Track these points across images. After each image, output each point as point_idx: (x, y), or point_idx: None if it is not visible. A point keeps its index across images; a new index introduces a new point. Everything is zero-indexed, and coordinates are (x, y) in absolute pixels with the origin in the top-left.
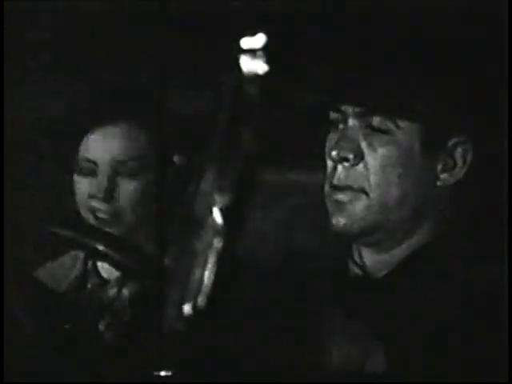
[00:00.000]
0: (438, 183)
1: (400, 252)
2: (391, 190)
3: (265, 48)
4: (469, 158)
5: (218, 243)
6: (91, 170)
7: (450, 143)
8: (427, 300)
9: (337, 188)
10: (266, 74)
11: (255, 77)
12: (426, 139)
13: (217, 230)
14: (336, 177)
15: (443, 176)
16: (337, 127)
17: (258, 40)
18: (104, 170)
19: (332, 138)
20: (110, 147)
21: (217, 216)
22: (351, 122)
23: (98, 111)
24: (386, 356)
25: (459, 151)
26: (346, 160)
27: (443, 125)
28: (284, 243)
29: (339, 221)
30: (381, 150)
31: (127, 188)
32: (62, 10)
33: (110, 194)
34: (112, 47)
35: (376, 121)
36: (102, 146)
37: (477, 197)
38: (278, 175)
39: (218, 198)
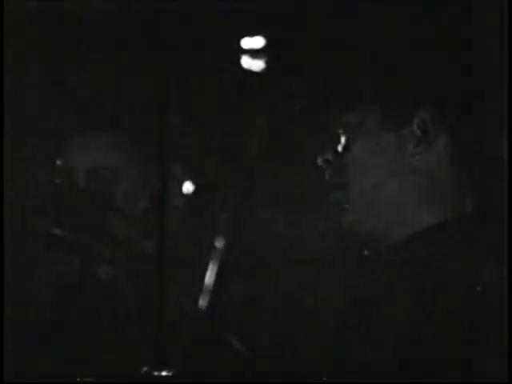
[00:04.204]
0: (417, 157)
1: (397, 238)
2: (367, 176)
3: (265, 48)
4: (435, 127)
5: (219, 243)
6: (69, 176)
7: (415, 116)
8: (425, 298)
9: (327, 189)
10: (267, 73)
11: (256, 75)
12: (388, 119)
13: (218, 230)
14: (325, 178)
15: (417, 150)
16: (323, 133)
17: (258, 40)
18: (81, 175)
19: (321, 143)
20: (87, 156)
21: (217, 215)
22: (328, 124)
23: (78, 119)
24: (384, 355)
25: (423, 122)
26: (328, 162)
27: (402, 102)
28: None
29: (335, 221)
30: (352, 143)
31: (101, 195)
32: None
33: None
34: (100, 55)
35: (345, 117)
36: (78, 153)
37: (489, 192)
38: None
39: (218, 196)
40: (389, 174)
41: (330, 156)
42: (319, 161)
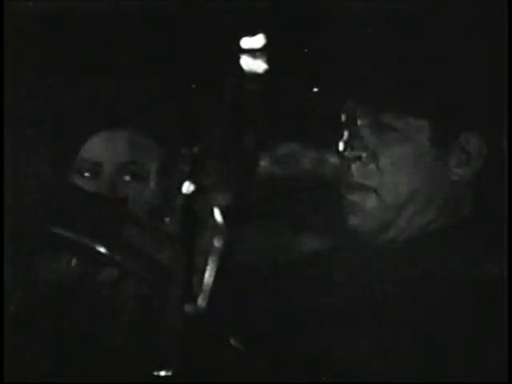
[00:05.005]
0: (453, 178)
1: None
2: (402, 187)
3: (265, 48)
4: (483, 151)
5: (218, 243)
6: (94, 172)
7: (462, 137)
8: (426, 299)
9: (350, 187)
10: (267, 74)
11: (256, 76)
12: (436, 135)
13: (217, 230)
14: (350, 175)
15: (458, 171)
16: (348, 127)
17: (258, 40)
18: (108, 171)
19: (344, 137)
20: (115, 149)
21: (217, 215)
22: (360, 120)
23: (104, 114)
24: (385, 355)
25: (472, 145)
26: (359, 158)
27: (453, 120)
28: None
29: (353, 221)
30: (391, 148)
31: (129, 190)
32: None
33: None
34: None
35: (385, 118)
36: (107, 147)
37: (489, 192)
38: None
39: (218, 197)
40: (421, 183)
41: (362, 153)
42: (346, 153)
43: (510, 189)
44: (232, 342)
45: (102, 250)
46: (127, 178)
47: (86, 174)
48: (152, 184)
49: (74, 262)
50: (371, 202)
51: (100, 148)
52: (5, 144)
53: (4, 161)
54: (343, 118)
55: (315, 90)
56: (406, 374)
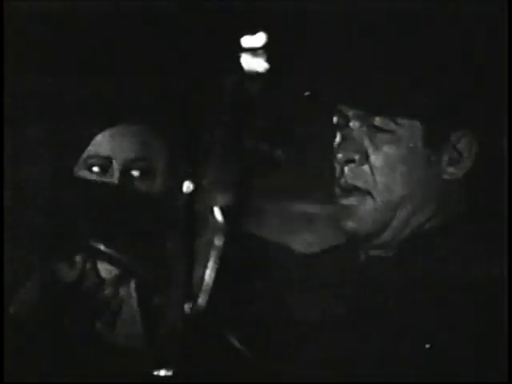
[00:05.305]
0: (445, 176)
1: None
2: (396, 189)
3: (265, 46)
4: (474, 149)
5: (218, 242)
6: (103, 167)
7: (453, 136)
8: (425, 299)
9: (344, 190)
10: (267, 73)
11: (256, 75)
12: (428, 134)
13: (217, 229)
14: (343, 178)
15: (450, 169)
16: (341, 129)
17: (258, 38)
18: (117, 166)
19: (337, 140)
20: (124, 145)
21: (217, 214)
22: (353, 123)
23: (103, 115)
24: (385, 355)
25: (463, 144)
26: (352, 161)
27: (444, 119)
28: None
29: (348, 224)
30: (384, 149)
31: (138, 186)
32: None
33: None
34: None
35: (377, 121)
36: (116, 143)
37: (489, 192)
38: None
39: (218, 196)
40: (415, 183)
41: (355, 156)
42: (339, 156)
43: (510, 188)
44: (232, 341)
45: (104, 248)
46: (136, 173)
47: (95, 169)
48: (158, 182)
49: (74, 261)
50: (365, 203)
51: (109, 143)
52: (5, 144)
53: (4, 161)
54: (335, 120)
55: (306, 93)
56: (406, 373)
